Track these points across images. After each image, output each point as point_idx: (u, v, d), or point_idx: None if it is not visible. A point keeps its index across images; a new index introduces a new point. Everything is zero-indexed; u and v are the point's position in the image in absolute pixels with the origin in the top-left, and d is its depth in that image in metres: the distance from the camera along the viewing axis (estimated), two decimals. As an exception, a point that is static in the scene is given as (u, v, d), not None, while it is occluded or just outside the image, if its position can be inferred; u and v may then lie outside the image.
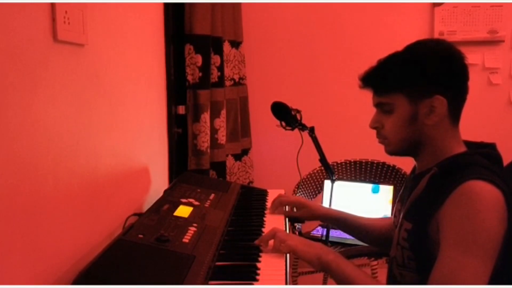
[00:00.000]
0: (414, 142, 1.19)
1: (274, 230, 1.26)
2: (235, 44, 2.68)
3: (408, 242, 1.16)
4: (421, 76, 1.15)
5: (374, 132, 1.26)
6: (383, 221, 1.58)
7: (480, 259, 1.00)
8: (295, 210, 1.62)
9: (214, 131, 2.39)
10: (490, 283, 1.01)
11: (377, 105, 1.23)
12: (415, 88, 1.15)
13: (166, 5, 2.06)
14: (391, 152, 1.25)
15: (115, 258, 1.06)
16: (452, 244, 1.03)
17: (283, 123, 1.85)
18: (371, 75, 1.22)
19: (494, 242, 1.01)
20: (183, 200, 1.50)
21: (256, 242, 1.27)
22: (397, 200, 1.37)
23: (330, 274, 1.16)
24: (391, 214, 2.36)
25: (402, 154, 1.25)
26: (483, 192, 1.03)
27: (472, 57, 2.93)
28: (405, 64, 1.17)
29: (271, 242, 1.25)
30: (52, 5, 1.03)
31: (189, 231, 1.26)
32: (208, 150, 2.32)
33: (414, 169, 1.32)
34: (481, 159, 1.13)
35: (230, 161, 2.64)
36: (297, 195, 2.50)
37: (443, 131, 1.17)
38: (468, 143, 1.21)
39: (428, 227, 1.10)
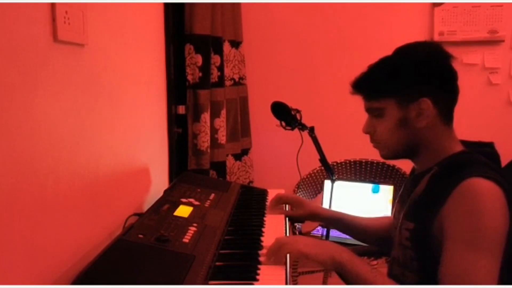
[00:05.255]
0: (409, 145, 1.20)
1: (280, 241, 1.18)
2: (235, 44, 2.68)
3: (411, 241, 1.16)
4: (407, 80, 1.17)
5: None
6: (381, 220, 1.58)
7: (490, 257, 1.00)
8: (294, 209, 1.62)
9: (214, 131, 2.39)
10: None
11: (368, 110, 1.25)
12: (402, 92, 1.17)
13: (166, 5, 2.06)
14: (386, 156, 1.26)
15: (115, 258, 1.06)
16: (459, 243, 1.02)
17: (283, 123, 1.84)
18: (361, 81, 1.24)
19: (499, 238, 1.02)
20: (183, 200, 1.49)
21: (265, 260, 1.17)
22: (397, 201, 1.37)
23: (344, 274, 1.12)
24: (391, 215, 2.37)
25: (398, 157, 1.26)
26: (484, 189, 1.04)
27: (472, 57, 2.93)
28: (392, 69, 1.19)
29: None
30: (52, 5, 1.03)
31: (189, 231, 1.26)
32: (208, 150, 2.32)
33: (413, 170, 1.32)
34: (481, 157, 1.14)
35: (230, 161, 2.64)
36: (297, 195, 2.50)
37: (437, 132, 1.18)
38: (465, 143, 1.22)
39: (431, 226, 1.10)
